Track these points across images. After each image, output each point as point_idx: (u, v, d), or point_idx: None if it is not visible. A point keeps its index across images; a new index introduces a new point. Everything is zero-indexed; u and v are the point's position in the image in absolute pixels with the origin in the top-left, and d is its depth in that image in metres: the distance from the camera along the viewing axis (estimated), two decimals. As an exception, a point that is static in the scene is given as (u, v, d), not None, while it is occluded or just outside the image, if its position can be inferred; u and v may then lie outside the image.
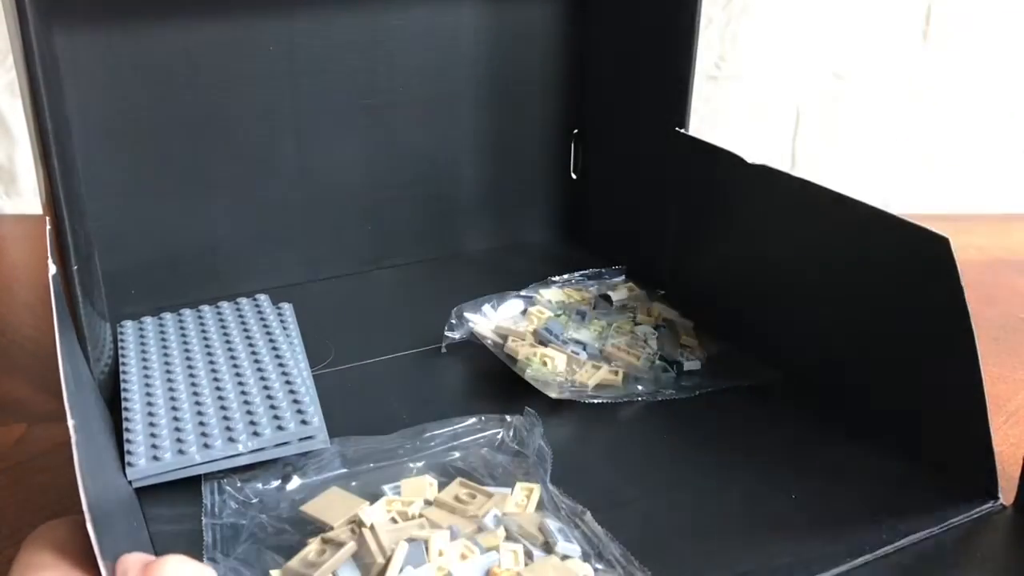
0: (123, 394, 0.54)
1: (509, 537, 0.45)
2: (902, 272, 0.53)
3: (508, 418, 0.54)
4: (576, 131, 0.82)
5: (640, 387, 0.61)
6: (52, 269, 0.44)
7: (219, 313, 0.64)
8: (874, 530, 0.47)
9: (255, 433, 0.51)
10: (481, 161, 0.80)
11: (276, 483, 0.50)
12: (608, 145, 0.80)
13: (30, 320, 0.71)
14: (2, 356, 0.66)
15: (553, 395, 0.58)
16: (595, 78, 0.79)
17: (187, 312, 0.65)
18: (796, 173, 0.59)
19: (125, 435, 0.50)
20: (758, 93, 1.02)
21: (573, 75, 0.80)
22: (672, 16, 0.67)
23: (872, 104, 1.02)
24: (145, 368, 0.57)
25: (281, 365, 0.57)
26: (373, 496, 0.48)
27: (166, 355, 0.59)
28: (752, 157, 0.61)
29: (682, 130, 0.68)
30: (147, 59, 0.65)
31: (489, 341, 0.64)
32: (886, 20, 0.99)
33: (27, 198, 0.95)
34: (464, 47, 0.75)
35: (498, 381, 0.61)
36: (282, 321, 0.64)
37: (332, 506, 0.47)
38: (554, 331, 0.64)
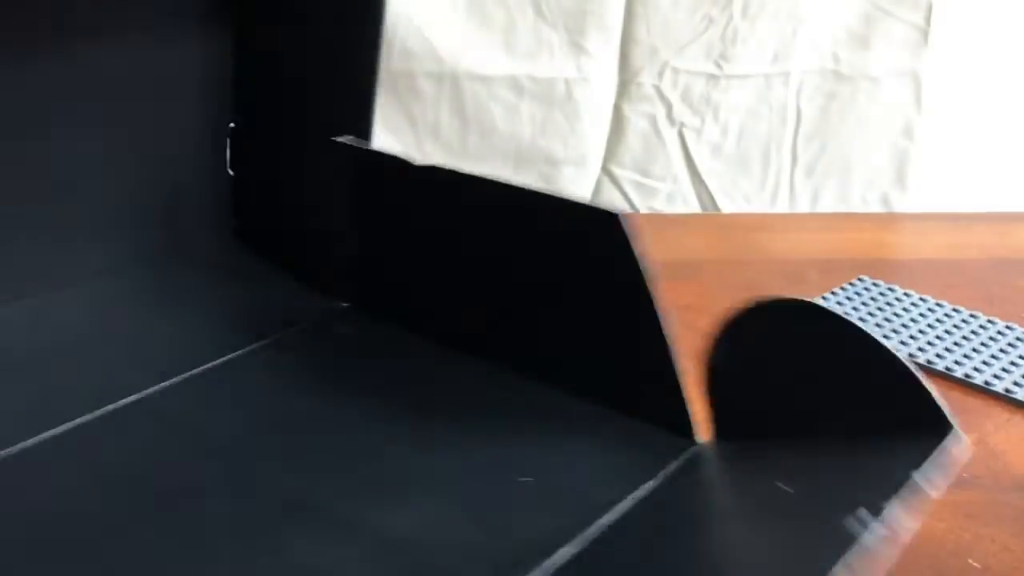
0: None
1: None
2: (580, 249, 0.56)
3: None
4: (233, 125, 0.77)
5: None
6: None
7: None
8: (599, 494, 0.49)
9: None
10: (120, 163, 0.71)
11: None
12: (274, 145, 0.76)
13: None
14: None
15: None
16: (260, 76, 0.75)
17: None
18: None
19: None
20: (758, 93, 1.02)
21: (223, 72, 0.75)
22: (351, 26, 0.66)
23: (873, 103, 1.03)
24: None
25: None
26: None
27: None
28: (420, 159, 0.62)
29: (343, 138, 0.67)
30: None
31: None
32: (887, 19, 1.00)
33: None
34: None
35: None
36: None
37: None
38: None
